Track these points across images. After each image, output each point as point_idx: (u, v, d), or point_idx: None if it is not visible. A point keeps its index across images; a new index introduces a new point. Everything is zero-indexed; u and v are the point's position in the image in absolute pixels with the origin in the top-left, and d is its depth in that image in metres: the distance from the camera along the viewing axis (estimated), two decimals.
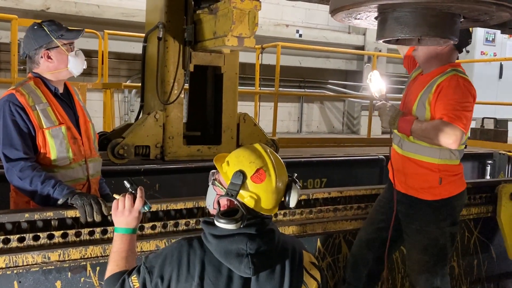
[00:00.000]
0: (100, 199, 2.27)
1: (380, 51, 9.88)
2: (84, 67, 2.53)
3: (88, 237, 2.27)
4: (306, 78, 10.55)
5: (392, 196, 2.76)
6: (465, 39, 2.61)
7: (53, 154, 2.38)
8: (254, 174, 1.55)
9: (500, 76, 9.63)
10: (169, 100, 3.84)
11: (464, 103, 2.46)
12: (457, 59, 2.81)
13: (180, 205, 2.48)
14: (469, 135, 5.41)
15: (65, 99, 2.53)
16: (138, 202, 1.77)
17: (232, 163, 1.60)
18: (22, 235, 2.15)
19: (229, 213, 1.55)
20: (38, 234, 2.18)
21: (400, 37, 2.27)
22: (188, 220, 2.51)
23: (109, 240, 2.29)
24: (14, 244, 2.14)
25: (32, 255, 2.11)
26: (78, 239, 2.25)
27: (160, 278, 1.56)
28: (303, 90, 10.53)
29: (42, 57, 2.41)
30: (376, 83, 2.73)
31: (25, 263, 2.10)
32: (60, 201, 2.24)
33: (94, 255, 2.22)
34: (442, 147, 2.53)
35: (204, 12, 3.63)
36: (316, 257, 2.89)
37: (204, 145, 4.05)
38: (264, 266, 1.56)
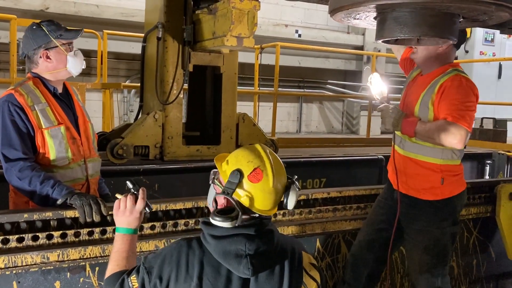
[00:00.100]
0: (99, 199, 2.27)
1: (379, 51, 9.88)
2: (83, 67, 2.53)
3: (87, 237, 2.27)
4: (305, 78, 10.55)
5: (391, 197, 2.76)
6: (461, 36, 2.61)
7: (52, 154, 2.38)
8: (251, 173, 1.55)
9: (499, 76, 9.63)
10: (168, 100, 3.84)
11: (467, 102, 2.47)
12: (456, 58, 2.82)
13: (179, 205, 2.48)
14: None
15: (64, 99, 2.52)
16: (140, 203, 1.77)
17: (231, 162, 1.60)
18: (21, 235, 2.15)
19: (226, 212, 1.56)
20: (37, 234, 2.17)
21: (399, 37, 2.27)
22: (187, 220, 2.50)
23: (108, 240, 2.29)
24: (13, 244, 2.13)
25: (31, 255, 2.11)
26: (77, 239, 2.25)
27: (159, 278, 1.56)
28: (302, 90, 10.53)
29: (41, 57, 2.41)
30: (377, 85, 2.72)
31: (24, 264, 2.09)
32: (59, 201, 2.24)
33: (93, 255, 2.22)
34: (445, 147, 2.53)
35: (203, 12, 3.63)
36: (316, 257, 2.89)
37: (203, 145, 4.06)
38: (263, 267, 1.56)
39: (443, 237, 2.62)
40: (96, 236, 2.29)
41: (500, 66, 9.54)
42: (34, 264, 2.11)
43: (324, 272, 2.93)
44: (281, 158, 1.67)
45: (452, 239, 2.68)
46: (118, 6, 8.17)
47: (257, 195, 1.56)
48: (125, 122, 5.99)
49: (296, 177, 1.67)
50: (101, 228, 2.29)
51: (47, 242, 2.19)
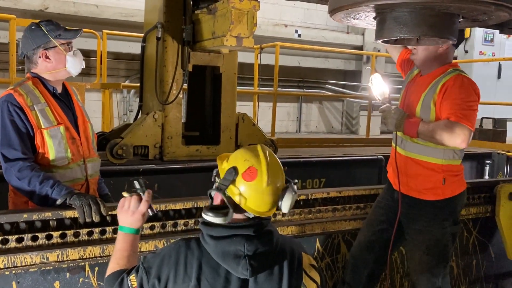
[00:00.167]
0: (98, 200, 2.26)
1: (378, 51, 9.88)
2: (83, 67, 2.53)
3: (86, 238, 2.27)
4: (304, 78, 10.55)
5: (391, 197, 2.76)
6: (460, 36, 2.61)
7: (51, 154, 2.38)
8: (245, 171, 1.55)
9: (499, 76, 9.63)
10: (168, 100, 3.84)
11: (470, 102, 2.47)
12: (455, 58, 2.82)
13: (179, 206, 2.48)
14: None
15: (64, 99, 2.52)
16: (143, 205, 1.77)
17: (230, 160, 1.61)
18: (20, 236, 2.15)
19: (220, 208, 1.56)
20: (37, 234, 2.17)
21: (399, 37, 2.27)
22: (187, 220, 2.50)
23: (108, 241, 2.29)
24: (12, 244, 2.13)
25: (30, 255, 2.10)
26: (76, 239, 2.25)
27: (157, 278, 1.56)
28: (302, 90, 10.53)
29: (40, 57, 2.40)
30: (379, 86, 2.72)
31: (23, 264, 2.09)
32: (58, 202, 2.24)
33: (93, 256, 2.22)
34: (447, 147, 2.53)
35: (203, 12, 3.63)
36: (315, 257, 2.89)
37: (202, 145, 4.05)
38: (262, 267, 1.56)
39: (444, 237, 2.62)
40: (96, 236, 2.28)
41: (500, 66, 9.55)
42: (34, 264, 2.11)
43: (324, 272, 2.93)
44: (280, 158, 1.66)
45: (453, 239, 2.68)
46: (118, 6, 8.17)
47: (250, 194, 1.55)
48: (124, 122, 5.98)
49: (296, 181, 1.65)
50: (100, 228, 2.29)
51: (46, 242, 2.19)
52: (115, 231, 2.33)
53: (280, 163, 1.63)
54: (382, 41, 2.44)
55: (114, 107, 7.97)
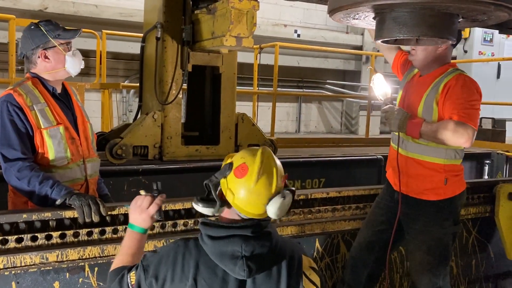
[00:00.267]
0: (98, 200, 2.26)
1: (378, 51, 9.87)
2: (82, 67, 2.52)
3: (86, 238, 2.27)
4: (304, 78, 10.55)
5: (391, 197, 2.76)
6: (458, 35, 2.61)
7: (51, 154, 2.37)
8: (237, 167, 1.56)
9: (498, 76, 9.64)
10: (167, 100, 3.84)
11: (472, 101, 2.48)
12: (455, 58, 2.83)
13: (178, 206, 2.48)
14: None
15: (63, 99, 2.52)
16: (152, 207, 1.78)
17: (233, 157, 1.63)
18: (20, 236, 2.15)
19: (211, 201, 1.60)
20: (36, 234, 2.17)
21: (398, 37, 2.27)
22: (186, 220, 2.50)
23: (107, 241, 2.29)
24: (12, 244, 2.13)
25: (30, 255, 2.10)
26: (76, 239, 2.25)
27: (155, 278, 1.57)
28: (301, 90, 10.53)
29: (39, 57, 2.40)
30: (381, 86, 2.72)
31: (23, 264, 2.09)
32: (58, 202, 2.23)
33: (92, 256, 2.22)
34: (449, 147, 2.53)
35: (202, 12, 3.63)
36: (315, 257, 2.89)
37: (202, 145, 4.05)
38: (260, 268, 1.55)
39: (445, 237, 2.62)
40: (95, 236, 2.28)
41: (499, 66, 9.56)
42: (33, 265, 2.11)
43: (323, 272, 2.93)
44: (280, 158, 1.65)
45: (453, 239, 2.69)
46: (117, 6, 8.17)
47: (238, 191, 1.55)
48: (124, 122, 5.98)
49: (294, 188, 1.62)
50: (100, 228, 2.29)
51: (46, 242, 2.19)
52: (114, 232, 2.33)
53: (279, 169, 1.59)
54: (382, 41, 2.44)
55: (114, 107, 7.97)
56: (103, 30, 6.52)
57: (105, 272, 2.23)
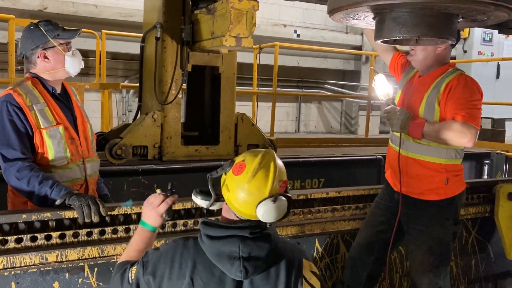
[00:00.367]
0: (98, 200, 2.26)
1: None
2: (82, 67, 2.52)
3: (86, 238, 2.26)
4: (304, 78, 10.55)
5: (391, 198, 2.76)
6: (457, 35, 2.61)
7: (50, 154, 2.37)
8: (236, 164, 1.59)
9: (498, 76, 9.64)
10: (167, 100, 3.83)
11: (474, 101, 2.49)
12: (454, 58, 2.83)
13: (178, 206, 2.47)
14: None
15: (63, 99, 2.52)
16: (162, 206, 1.81)
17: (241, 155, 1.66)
18: (19, 236, 2.15)
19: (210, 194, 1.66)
20: (36, 235, 2.17)
21: (398, 37, 2.27)
22: (186, 220, 2.50)
23: (107, 241, 2.29)
24: (11, 245, 2.13)
25: (29, 256, 2.10)
26: (76, 240, 2.25)
27: (152, 275, 1.58)
28: (301, 90, 10.53)
29: (38, 57, 2.40)
30: (382, 86, 2.72)
31: (22, 264, 2.09)
32: (57, 202, 2.23)
33: (92, 256, 2.22)
34: (450, 146, 2.54)
35: (202, 12, 3.63)
36: (314, 257, 2.89)
37: (202, 145, 4.05)
38: (257, 270, 1.55)
39: (446, 237, 2.63)
40: (95, 236, 2.28)
41: (499, 66, 9.56)
42: (33, 265, 2.11)
43: (323, 272, 2.93)
44: (279, 158, 1.64)
45: (453, 239, 2.69)
46: (117, 6, 8.16)
47: (233, 188, 1.57)
48: (123, 122, 5.98)
49: (291, 196, 1.59)
50: (99, 228, 2.29)
51: (45, 242, 2.18)
52: (114, 232, 2.33)
53: (278, 173, 1.57)
54: (382, 41, 2.44)
55: (113, 107, 7.97)
56: (103, 30, 6.52)
57: (105, 272, 2.25)
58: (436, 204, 2.61)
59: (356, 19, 2.43)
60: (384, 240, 2.72)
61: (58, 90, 2.50)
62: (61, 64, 2.43)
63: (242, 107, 6.52)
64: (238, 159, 1.61)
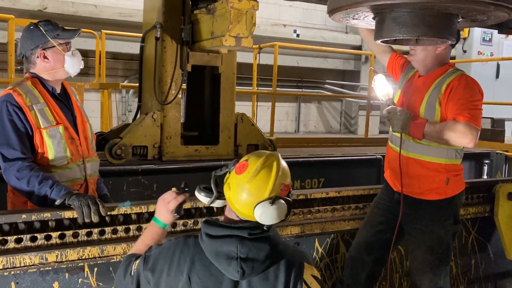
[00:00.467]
0: (97, 200, 2.26)
1: None
2: (81, 67, 2.52)
3: (85, 238, 2.26)
4: (303, 78, 10.55)
5: (391, 198, 2.76)
6: (456, 35, 2.61)
7: (50, 154, 2.37)
8: (240, 163, 1.60)
9: (497, 76, 9.65)
10: (167, 100, 3.83)
11: (475, 101, 2.49)
12: (454, 58, 2.83)
13: None
14: None
15: (63, 99, 2.52)
16: (172, 203, 1.81)
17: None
18: (19, 236, 2.15)
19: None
20: (36, 235, 2.17)
21: (398, 37, 2.27)
22: (186, 220, 2.50)
23: (107, 241, 2.29)
24: (11, 245, 2.13)
25: (29, 256, 2.10)
26: (75, 240, 2.25)
27: (152, 271, 1.60)
28: (301, 90, 10.53)
29: (38, 57, 2.40)
30: (382, 87, 2.72)
31: (22, 264, 2.09)
32: (57, 202, 2.23)
33: (92, 256, 2.22)
34: (450, 147, 2.54)
35: (202, 12, 3.63)
36: (314, 257, 2.89)
37: (201, 145, 4.05)
38: (254, 271, 1.55)
39: (446, 236, 2.63)
40: (95, 236, 2.28)
41: (498, 65, 9.57)
42: (33, 265, 2.11)
43: (323, 272, 2.93)
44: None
45: (453, 238, 2.69)
46: (116, 6, 8.16)
47: (234, 186, 1.58)
48: (123, 122, 5.98)
49: (291, 200, 1.58)
50: (99, 228, 2.29)
51: (45, 242, 2.18)
52: (114, 232, 2.33)
53: (280, 176, 1.56)
54: (382, 41, 2.44)
55: (113, 107, 7.98)
56: (103, 30, 6.52)
57: (105, 272, 2.25)
58: (436, 203, 2.61)
59: (356, 19, 2.43)
60: (384, 240, 2.73)
61: (58, 90, 2.50)
62: (61, 64, 2.43)
63: (242, 107, 6.52)
64: (242, 159, 1.62)
